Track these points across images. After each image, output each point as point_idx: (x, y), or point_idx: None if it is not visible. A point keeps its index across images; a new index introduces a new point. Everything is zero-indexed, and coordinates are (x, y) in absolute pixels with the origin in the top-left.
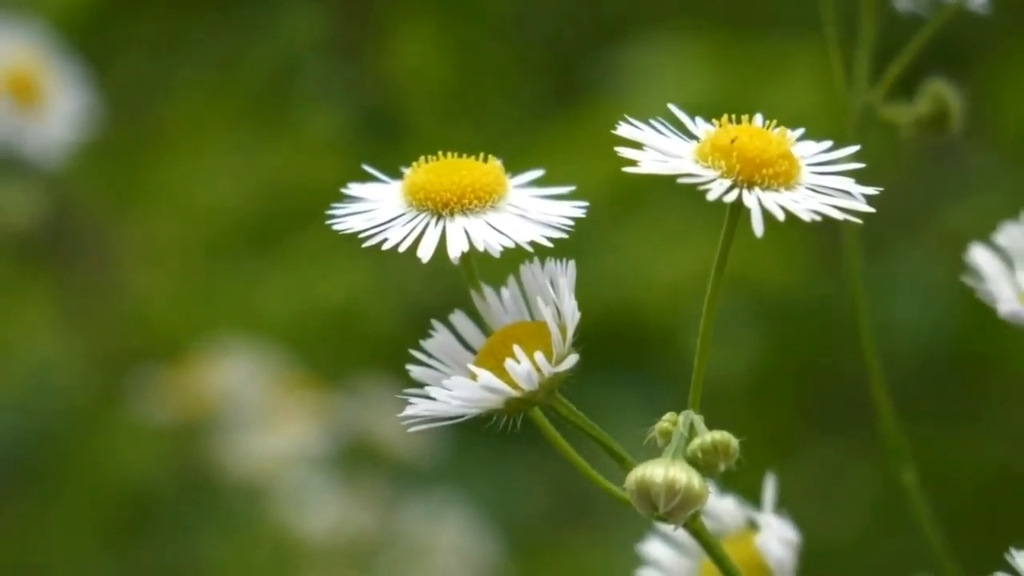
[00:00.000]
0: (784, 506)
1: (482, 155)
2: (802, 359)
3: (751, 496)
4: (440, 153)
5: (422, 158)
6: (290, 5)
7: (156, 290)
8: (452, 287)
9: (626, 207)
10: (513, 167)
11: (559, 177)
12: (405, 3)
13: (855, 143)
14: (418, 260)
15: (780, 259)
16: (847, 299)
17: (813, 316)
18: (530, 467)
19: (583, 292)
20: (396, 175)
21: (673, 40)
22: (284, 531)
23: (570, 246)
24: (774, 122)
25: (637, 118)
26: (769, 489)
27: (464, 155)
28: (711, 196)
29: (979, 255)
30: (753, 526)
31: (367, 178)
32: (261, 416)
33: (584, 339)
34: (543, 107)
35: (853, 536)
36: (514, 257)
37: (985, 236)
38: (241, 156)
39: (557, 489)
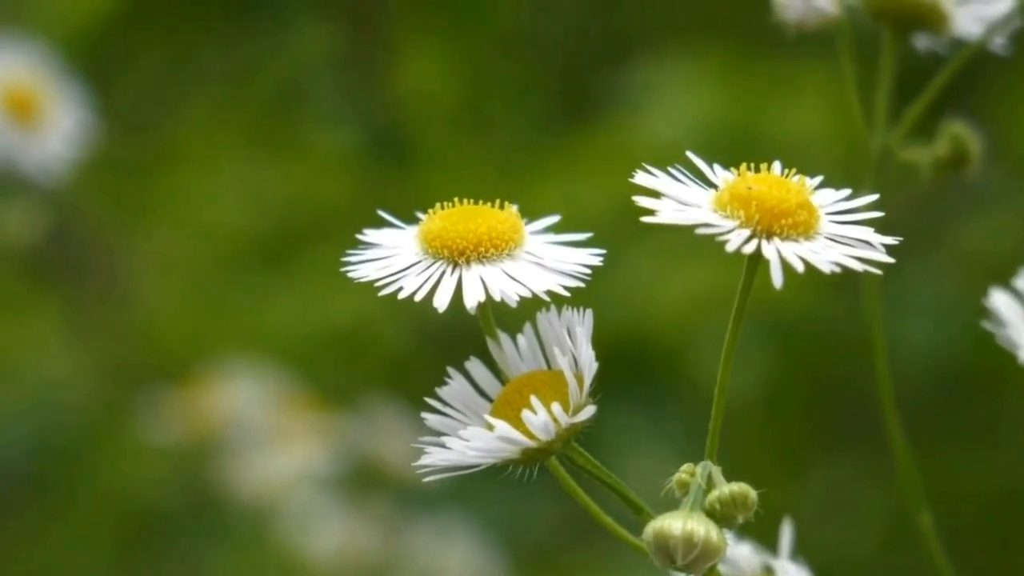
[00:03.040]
0: (796, 524)
1: (500, 201)
2: (814, 378)
3: (764, 518)
4: (443, 178)
5: (438, 205)
6: (301, 22)
7: (165, 306)
8: (463, 308)
9: (636, 225)
10: (521, 185)
11: (567, 195)
12: (415, 20)
13: (874, 185)
14: None
15: (791, 279)
16: (859, 318)
17: (825, 335)
18: (537, 488)
19: (593, 310)
20: (406, 193)
21: (684, 58)
22: (290, 551)
23: None
24: (793, 170)
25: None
26: (786, 535)
27: (472, 174)
28: (730, 248)
29: (998, 300)
30: (770, 571)
31: (381, 221)
32: (268, 436)
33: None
34: (553, 124)
35: (864, 553)
36: (532, 300)
37: (995, 256)
38: (251, 173)
39: (564, 509)
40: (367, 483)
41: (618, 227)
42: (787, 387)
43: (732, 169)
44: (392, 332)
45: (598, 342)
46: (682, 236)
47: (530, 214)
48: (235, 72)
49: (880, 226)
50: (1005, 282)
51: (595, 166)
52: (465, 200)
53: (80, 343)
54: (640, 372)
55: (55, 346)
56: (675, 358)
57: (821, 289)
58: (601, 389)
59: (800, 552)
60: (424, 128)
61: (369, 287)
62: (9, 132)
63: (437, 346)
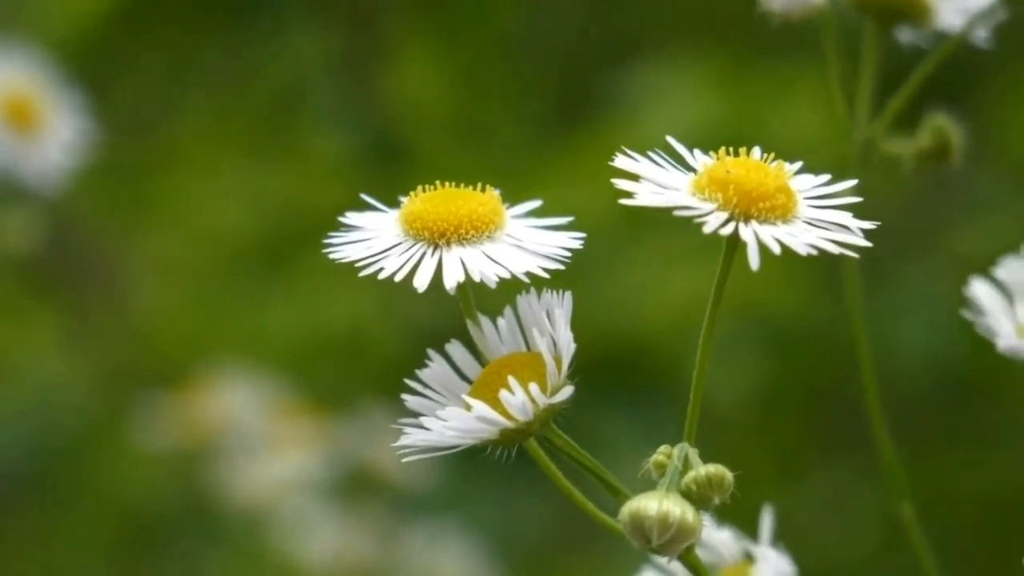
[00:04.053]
0: (792, 526)
1: (481, 184)
2: (809, 381)
3: (757, 518)
4: (440, 181)
5: (420, 188)
6: (298, 27)
7: (162, 311)
8: (457, 312)
9: (631, 229)
10: (518, 189)
11: (564, 199)
12: (412, 23)
13: (858, 177)
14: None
15: (784, 281)
16: (850, 322)
17: (819, 337)
18: (531, 492)
19: (586, 314)
20: (400, 199)
21: (680, 62)
22: (285, 557)
23: (574, 269)
24: (772, 155)
25: (641, 143)
26: (766, 521)
27: (469, 177)
28: (707, 229)
29: (979, 289)
30: (750, 558)
31: (365, 207)
32: (263, 442)
33: (587, 362)
34: (550, 128)
35: (861, 555)
36: (512, 286)
37: (991, 257)
38: (249, 176)
39: (558, 513)
40: (362, 488)
41: (616, 230)
42: (784, 390)
43: (711, 154)
44: (388, 336)
45: (595, 344)
46: (680, 239)
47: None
48: (233, 76)
49: (874, 226)
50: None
51: (593, 169)
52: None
53: (78, 346)
54: (636, 376)
55: (53, 349)
56: (672, 362)
57: (817, 291)
58: (597, 392)
59: (798, 554)
60: (421, 132)
61: (364, 292)
62: (8, 140)
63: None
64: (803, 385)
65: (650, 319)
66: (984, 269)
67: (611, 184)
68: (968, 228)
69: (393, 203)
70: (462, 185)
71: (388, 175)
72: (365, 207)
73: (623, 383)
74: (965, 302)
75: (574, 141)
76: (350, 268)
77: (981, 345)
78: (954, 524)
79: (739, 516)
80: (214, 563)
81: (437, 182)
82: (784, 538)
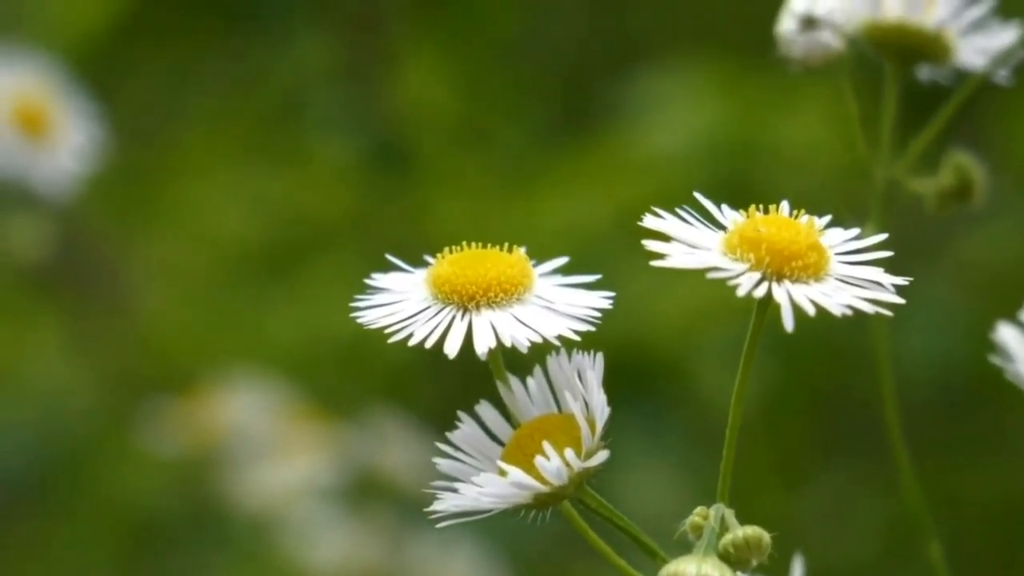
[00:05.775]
0: (797, 531)
1: (508, 245)
2: (814, 385)
3: (764, 523)
4: (442, 186)
5: (447, 249)
6: (303, 33)
7: (167, 317)
8: None
9: (635, 236)
10: (523, 195)
11: (568, 204)
12: (415, 30)
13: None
14: None
15: None
16: (860, 328)
17: (825, 342)
18: None
19: (595, 328)
20: (407, 205)
21: (685, 68)
22: (292, 563)
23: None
24: (802, 211)
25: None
26: (797, 570)
27: (473, 183)
28: (740, 292)
29: (1006, 334)
30: None
31: (391, 267)
32: (270, 447)
33: None
34: (554, 134)
35: (865, 561)
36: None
37: (997, 265)
38: (253, 183)
39: (568, 520)
40: (369, 494)
41: (618, 237)
42: (789, 394)
43: (741, 211)
44: (393, 342)
45: (599, 351)
46: None
47: (530, 225)
48: (238, 81)
49: (907, 281)
50: (1005, 293)
51: (596, 177)
52: (468, 205)
53: (82, 353)
54: (640, 383)
55: (58, 356)
56: (675, 369)
57: None
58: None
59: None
60: (425, 137)
61: None
62: (19, 147)
63: (438, 357)
64: (807, 389)
65: (653, 326)
66: (988, 278)
67: (614, 191)
68: (973, 234)
69: (398, 214)
70: (472, 201)
71: (392, 181)
72: (382, 238)
73: (628, 389)
74: (970, 310)
75: (578, 147)
76: (355, 273)
77: (986, 350)
78: (959, 528)
79: (743, 521)
80: (220, 569)
81: (449, 178)
82: (787, 542)
